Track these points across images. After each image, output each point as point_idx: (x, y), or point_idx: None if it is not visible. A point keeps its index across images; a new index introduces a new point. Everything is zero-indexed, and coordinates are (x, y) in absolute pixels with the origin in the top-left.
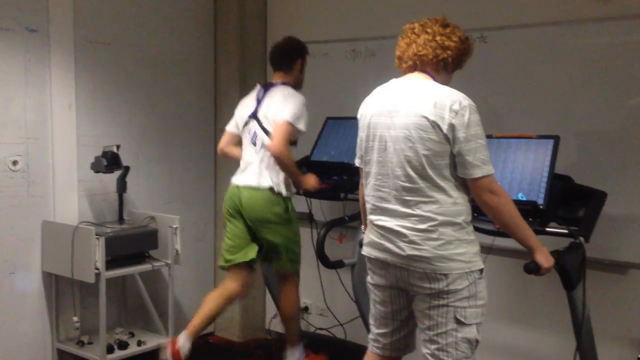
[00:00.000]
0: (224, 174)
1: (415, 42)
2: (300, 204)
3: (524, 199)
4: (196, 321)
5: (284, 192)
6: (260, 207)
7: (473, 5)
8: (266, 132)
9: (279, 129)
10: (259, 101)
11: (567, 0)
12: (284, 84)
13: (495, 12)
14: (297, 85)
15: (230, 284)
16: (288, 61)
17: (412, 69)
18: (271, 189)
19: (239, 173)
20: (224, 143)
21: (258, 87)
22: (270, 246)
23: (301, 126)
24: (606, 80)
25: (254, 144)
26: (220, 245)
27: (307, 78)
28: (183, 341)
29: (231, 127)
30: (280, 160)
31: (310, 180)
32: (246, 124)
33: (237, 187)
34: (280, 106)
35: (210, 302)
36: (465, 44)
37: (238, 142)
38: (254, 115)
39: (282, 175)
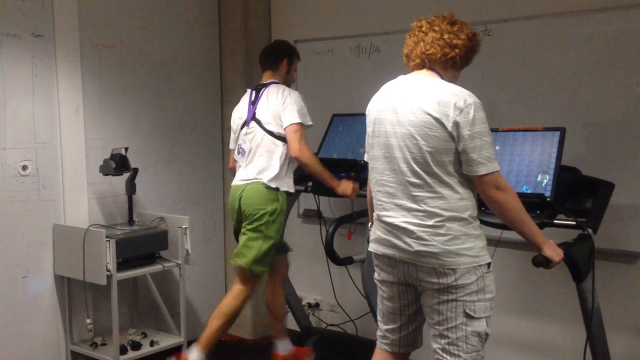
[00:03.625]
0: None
1: (423, 40)
2: (308, 201)
3: (529, 191)
4: (207, 333)
5: (280, 187)
6: (255, 199)
7: None
8: (269, 132)
9: (293, 135)
10: (253, 103)
11: None
12: (276, 82)
13: (499, 4)
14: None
15: (238, 286)
16: (273, 59)
17: (420, 66)
18: (267, 186)
19: (238, 175)
20: (232, 161)
21: (248, 91)
22: (245, 240)
23: (309, 121)
24: (612, 70)
25: (252, 148)
26: (229, 244)
27: (312, 74)
28: (195, 356)
29: (232, 144)
30: (305, 164)
31: (347, 189)
32: (242, 127)
33: (237, 186)
34: (280, 107)
35: (219, 315)
36: (473, 41)
37: None
38: (252, 118)
39: (278, 172)
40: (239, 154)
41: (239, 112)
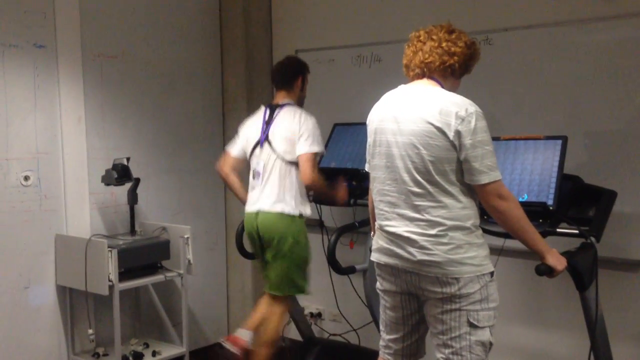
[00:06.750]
0: None
1: (422, 49)
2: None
3: (526, 198)
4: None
5: (297, 213)
6: (276, 226)
7: (477, 8)
8: (282, 157)
9: (307, 163)
10: (266, 123)
11: (572, 0)
12: (291, 104)
13: (499, 14)
14: (299, 104)
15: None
16: (289, 79)
17: (420, 76)
18: (287, 213)
19: (253, 199)
20: (228, 168)
21: (263, 108)
22: (272, 264)
23: (320, 149)
24: (613, 78)
25: (266, 171)
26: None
27: (313, 84)
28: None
29: (236, 152)
30: (315, 189)
31: (341, 193)
32: (255, 148)
33: (252, 213)
34: (296, 134)
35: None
36: (472, 48)
37: (241, 166)
38: (265, 139)
39: (295, 197)
40: (254, 178)
41: (253, 130)
